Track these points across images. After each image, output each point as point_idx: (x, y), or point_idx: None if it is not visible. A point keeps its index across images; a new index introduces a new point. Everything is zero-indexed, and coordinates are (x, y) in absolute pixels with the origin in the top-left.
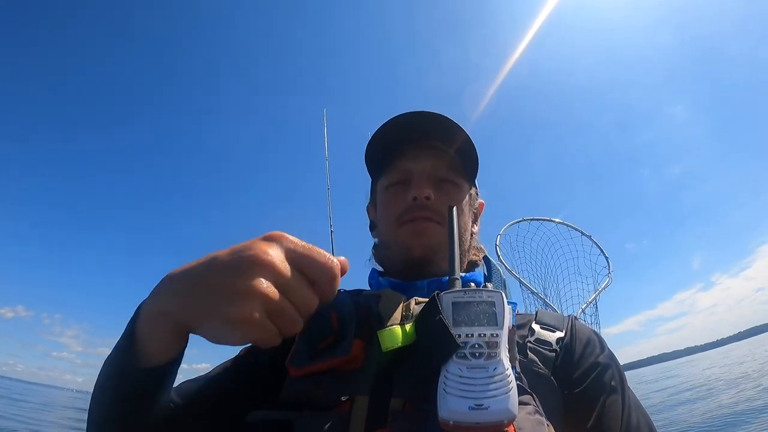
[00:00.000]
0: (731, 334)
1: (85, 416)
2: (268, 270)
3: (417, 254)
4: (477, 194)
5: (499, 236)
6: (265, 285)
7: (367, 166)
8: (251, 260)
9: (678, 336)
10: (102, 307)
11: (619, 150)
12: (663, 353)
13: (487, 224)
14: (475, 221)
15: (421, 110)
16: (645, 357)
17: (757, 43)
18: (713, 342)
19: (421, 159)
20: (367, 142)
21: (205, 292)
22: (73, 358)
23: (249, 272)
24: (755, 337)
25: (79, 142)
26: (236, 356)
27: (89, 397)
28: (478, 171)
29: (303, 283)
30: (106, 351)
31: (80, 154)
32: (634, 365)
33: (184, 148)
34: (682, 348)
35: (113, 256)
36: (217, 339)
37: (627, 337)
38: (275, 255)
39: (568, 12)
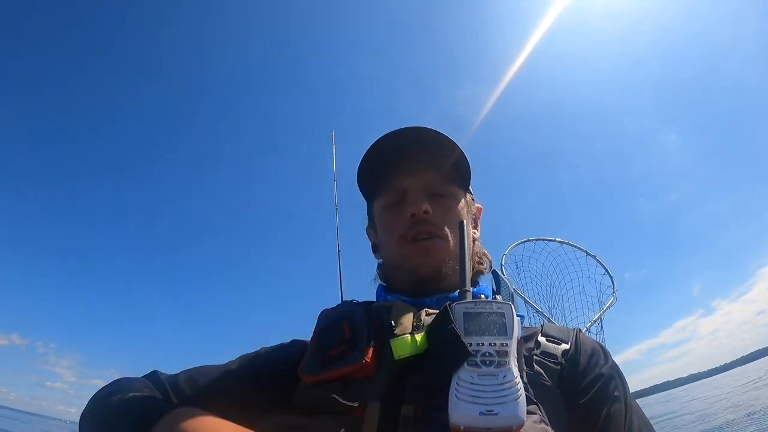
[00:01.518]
0: (734, 359)
1: None
2: None
3: (424, 272)
4: (473, 199)
5: (504, 256)
6: None
7: (360, 189)
8: None
9: (681, 363)
10: (97, 339)
11: (613, 179)
12: (666, 381)
13: (490, 247)
14: (475, 226)
15: (407, 126)
16: (649, 386)
17: (745, 67)
18: (717, 368)
19: (414, 174)
20: (358, 166)
21: None
22: (67, 388)
23: None
24: (759, 360)
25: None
26: (253, 356)
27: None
28: (471, 177)
29: None
30: (100, 382)
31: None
32: (637, 394)
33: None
34: (686, 375)
35: (111, 287)
36: None
37: (630, 366)
38: None
39: (556, 44)
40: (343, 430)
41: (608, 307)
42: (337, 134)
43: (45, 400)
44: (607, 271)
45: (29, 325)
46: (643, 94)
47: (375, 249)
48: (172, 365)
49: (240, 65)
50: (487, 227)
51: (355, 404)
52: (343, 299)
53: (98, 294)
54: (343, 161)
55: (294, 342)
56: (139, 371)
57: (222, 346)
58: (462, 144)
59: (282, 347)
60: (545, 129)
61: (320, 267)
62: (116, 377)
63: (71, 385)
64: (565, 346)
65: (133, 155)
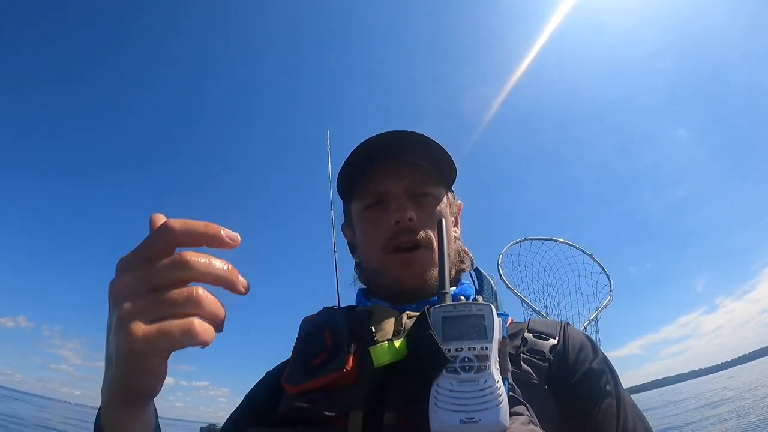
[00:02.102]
0: (736, 357)
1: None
2: (117, 296)
3: (408, 284)
4: (455, 197)
5: (501, 255)
6: (122, 306)
7: (338, 190)
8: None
9: (682, 359)
10: (103, 322)
11: (621, 173)
12: (667, 377)
13: (488, 245)
14: (455, 224)
15: (389, 130)
16: (650, 380)
17: (758, 67)
18: (718, 365)
19: (395, 177)
20: (340, 168)
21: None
22: (72, 370)
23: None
24: (762, 359)
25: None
26: (251, 392)
27: (88, 411)
28: (457, 174)
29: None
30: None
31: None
32: (637, 389)
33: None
34: (687, 371)
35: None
36: (148, 370)
37: (631, 360)
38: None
39: (569, 37)
40: None
41: (605, 306)
42: (334, 135)
43: (50, 382)
44: (603, 269)
45: (36, 308)
46: (654, 89)
47: (352, 249)
48: (184, 350)
49: (234, 67)
50: (488, 225)
51: (336, 414)
52: (340, 299)
53: (106, 278)
54: (339, 162)
55: (271, 371)
56: None
57: (229, 326)
58: (470, 139)
59: (264, 378)
60: (556, 122)
61: (316, 268)
62: None
63: (76, 367)
64: (552, 342)
65: (135, 147)
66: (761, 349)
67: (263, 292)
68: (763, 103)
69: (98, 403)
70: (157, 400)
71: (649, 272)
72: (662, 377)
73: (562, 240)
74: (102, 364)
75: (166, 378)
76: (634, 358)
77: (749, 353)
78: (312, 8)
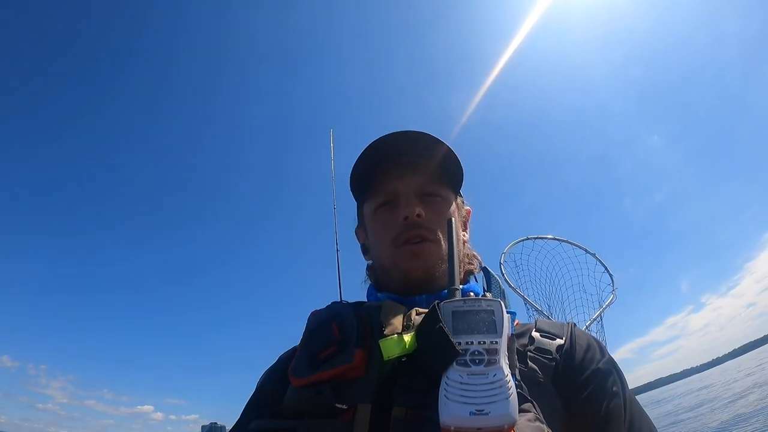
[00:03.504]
0: (726, 352)
1: None
2: None
3: (416, 276)
4: (463, 202)
5: (503, 255)
6: None
7: (352, 191)
8: None
9: (673, 359)
10: (91, 359)
11: (600, 182)
12: (659, 378)
13: (487, 245)
14: (464, 228)
15: (400, 130)
16: (642, 383)
17: (723, 70)
18: (709, 362)
19: (406, 177)
20: (352, 168)
21: None
22: (58, 410)
23: None
24: (751, 352)
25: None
26: (255, 389)
27: None
28: (464, 179)
29: None
30: (93, 403)
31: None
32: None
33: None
34: (679, 371)
35: (104, 307)
36: None
37: (622, 365)
38: None
39: (537, 50)
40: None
41: (608, 305)
42: (337, 135)
43: (37, 422)
44: (606, 269)
45: (21, 347)
46: (625, 98)
47: (364, 251)
48: (172, 383)
49: (233, 63)
50: (482, 229)
51: (345, 406)
52: (342, 298)
53: (93, 317)
54: (342, 161)
55: (282, 357)
56: (136, 391)
57: (220, 355)
58: (446, 149)
59: (273, 367)
60: (531, 134)
61: (319, 267)
62: (111, 398)
63: (63, 406)
64: (559, 341)
65: (109, 145)
66: (751, 342)
67: (265, 302)
68: (732, 104)
69: None
70: None
71: (634, 277)
72: (654, 379)
73: (564, 239)
74: (91, 402)
75: (155, 413)
76: (625, 362)
77: (739, 347)
78: (302, 11)
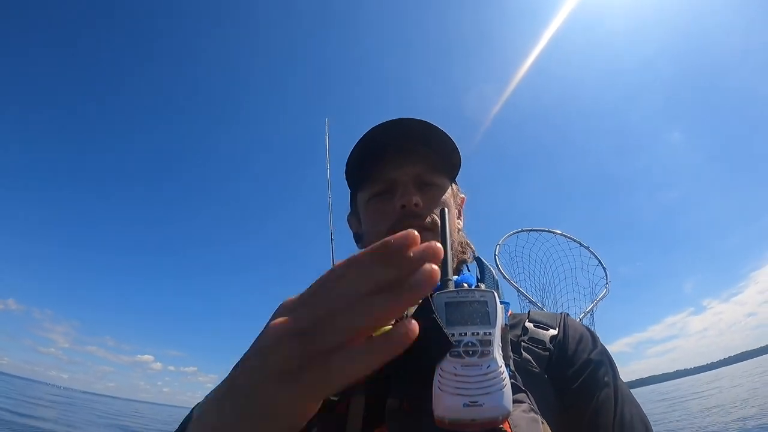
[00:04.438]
0: (722, 358)
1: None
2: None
3: None
4: (458, 189)
5: (498, 246)
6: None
7: (347, 179)
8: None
9: (668, 358)
10: (95, 305)
11: (616, 174)
12: (652, 375)
13: (486, 236)
14: (459, 216)
15: (397, 118)
16: (635, 378)
17: (752, 75)
18: (704, 365)
19: (403, 165)
20: (348, 156)
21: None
22: (60, 354)
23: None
24: (746, 361)
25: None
26: None
27: (76, 395)
28: (461, 165)
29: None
30: (95, 349)
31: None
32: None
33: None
34: (672, 371)
35: (110, 255)
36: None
37: (617, 357)
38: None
39: (571, 38)
40: (327, 424)
41: (601, 299)
42: (333, 124)
43: (38, 365)
44: (600, 262)
45: (26, 291)
46: (651, 93)
47: (357, 239)
48: (174, 336)
49: (234, 53)
50: (486, 217)
51: (337, 399)
52: None
53: (98, 262)
54: (338, 151)
55: None
56: (138, 340)
57: (222, 312)
58: (473, 135)
59: None
60: (555, 121)
61: (312, 256)
62: (112, 346)
63: (65, 351)
64: (553, 332)
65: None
66: (747, 351)
67: (260, 280)
68: (757, 110)
69: (85, 387)
70: (145, 385)
71: (639, 272)
72: (647, 376)
73: (559, 232)
74: (93, 348)
75: (155, 363)
76: (620, 356)
77: (735, 355)
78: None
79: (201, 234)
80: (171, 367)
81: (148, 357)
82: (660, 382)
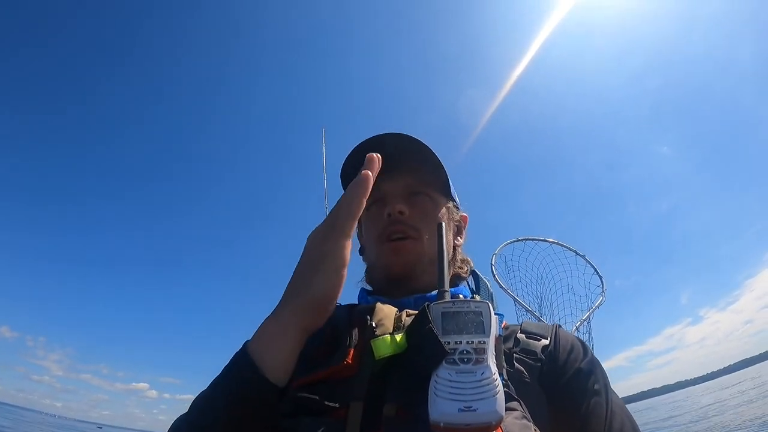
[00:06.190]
0: (722, 367)
1: None
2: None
3: (396, 271)
4: (457, 208)
5: (494, 256)
6: None
7: (344, 188)
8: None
9: (668, 370)
10: (89, 332)
11: (606, 187)
12: (653, 388)
13: (482, 246)
14: (458, 234)
15: (389, 132)
16: (636, 392)
17: (737, 86)
18: (704, 375)
19: (395, 179)
20: (341, 169)
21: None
22: (54, 382)
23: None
24: (746, 369)
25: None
26: None
27: (70, 424)
28: (449, 181)
29: None
30: (89, 377)
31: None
32: (624, 401)
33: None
34: (673, 382)
35: (103, 283)
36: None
37: (617, 372)
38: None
39: (559, 52)
40: (326, 429)
41: (597, 307)
42: (329, 133)
43: (31, 393)
44: (596, 270)
45: (20, 318)
46: (639, 106)
47: (361, 251)
48: (167, 360)
49: (232, 61)
50: (482, 229)
51: (337, 405)
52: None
53: (92, 290)
54: (334, 159)
55: None
56: (132, 368)
57: (216, 341)
58: (461, 147)
59: None
60: (543, 136)
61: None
62: (107, 373)
63: (58, 378)
64: (544, 342)
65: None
66: (746, 359)
67: (261, 297)
68: (743, 120)
69: (80, 416)
70: (141, 413)
71: (634, 285)
72: (648, 389)
73: (554, 240)
74: (87, 376)
75: (150, 391)
76: (620, 370)
77: (735, 363)
78: (307, 13)
79: (196, 260)
80: (166, 395)
81: (143, 385)
82: (662, 394)
